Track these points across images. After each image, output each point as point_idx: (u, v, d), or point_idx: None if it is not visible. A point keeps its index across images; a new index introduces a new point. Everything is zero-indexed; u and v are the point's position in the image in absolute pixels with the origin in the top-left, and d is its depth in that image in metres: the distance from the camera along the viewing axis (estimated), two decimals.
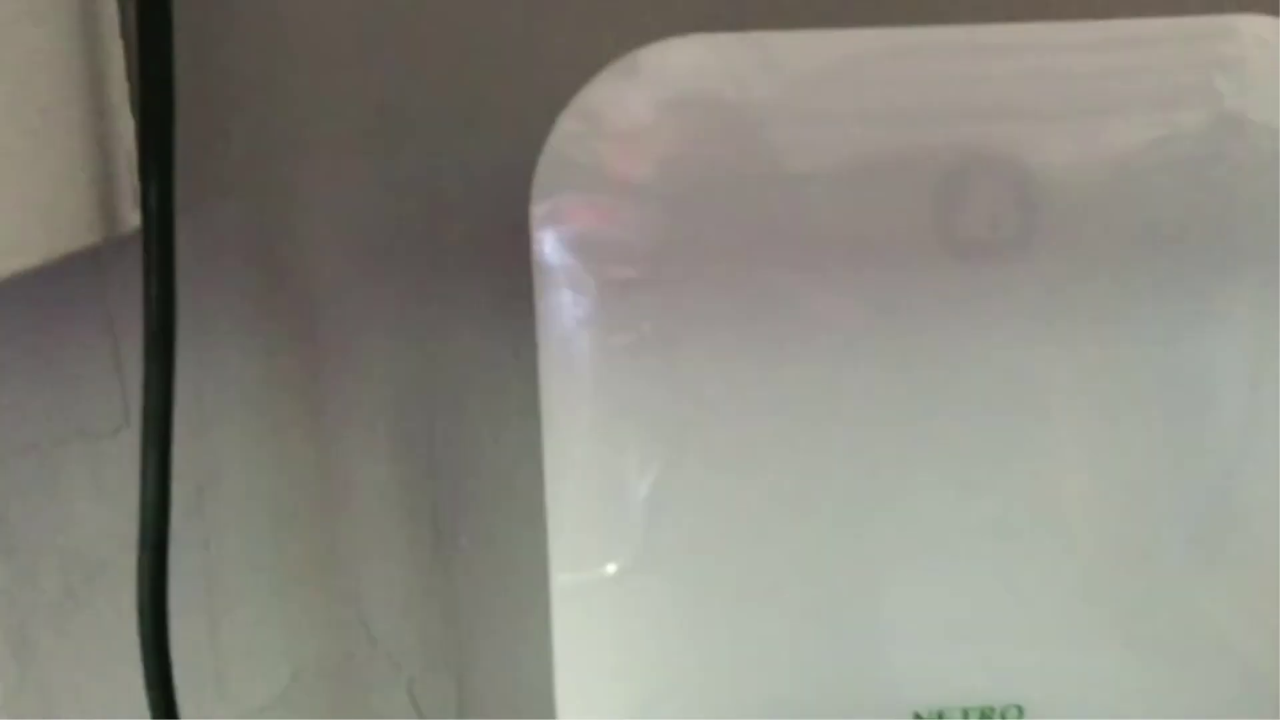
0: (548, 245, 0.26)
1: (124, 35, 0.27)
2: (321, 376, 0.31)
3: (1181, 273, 0.27)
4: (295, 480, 0.32)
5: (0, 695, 0.33)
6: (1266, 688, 0.29)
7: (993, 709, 0.29)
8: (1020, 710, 0.29)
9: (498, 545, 0.32)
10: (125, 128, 0.28)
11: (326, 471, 0.32)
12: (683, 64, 0.26)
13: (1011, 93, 0.26)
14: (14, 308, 0.30)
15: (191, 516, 0.32)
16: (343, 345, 0.31)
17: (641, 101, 0.26)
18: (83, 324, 0.30)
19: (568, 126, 0.26)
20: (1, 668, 0.33)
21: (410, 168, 0.30)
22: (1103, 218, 0.26)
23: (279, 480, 0.32)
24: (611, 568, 0.28)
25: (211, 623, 0.32)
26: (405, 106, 0.29)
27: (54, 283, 0.29)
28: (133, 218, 0.28)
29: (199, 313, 0.30)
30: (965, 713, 0.29)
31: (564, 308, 0.26)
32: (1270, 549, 0.28)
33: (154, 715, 0.29)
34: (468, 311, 0.31)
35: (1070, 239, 0.27)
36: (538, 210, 0.26)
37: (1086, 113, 0.26)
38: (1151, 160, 0.26)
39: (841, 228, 0.26)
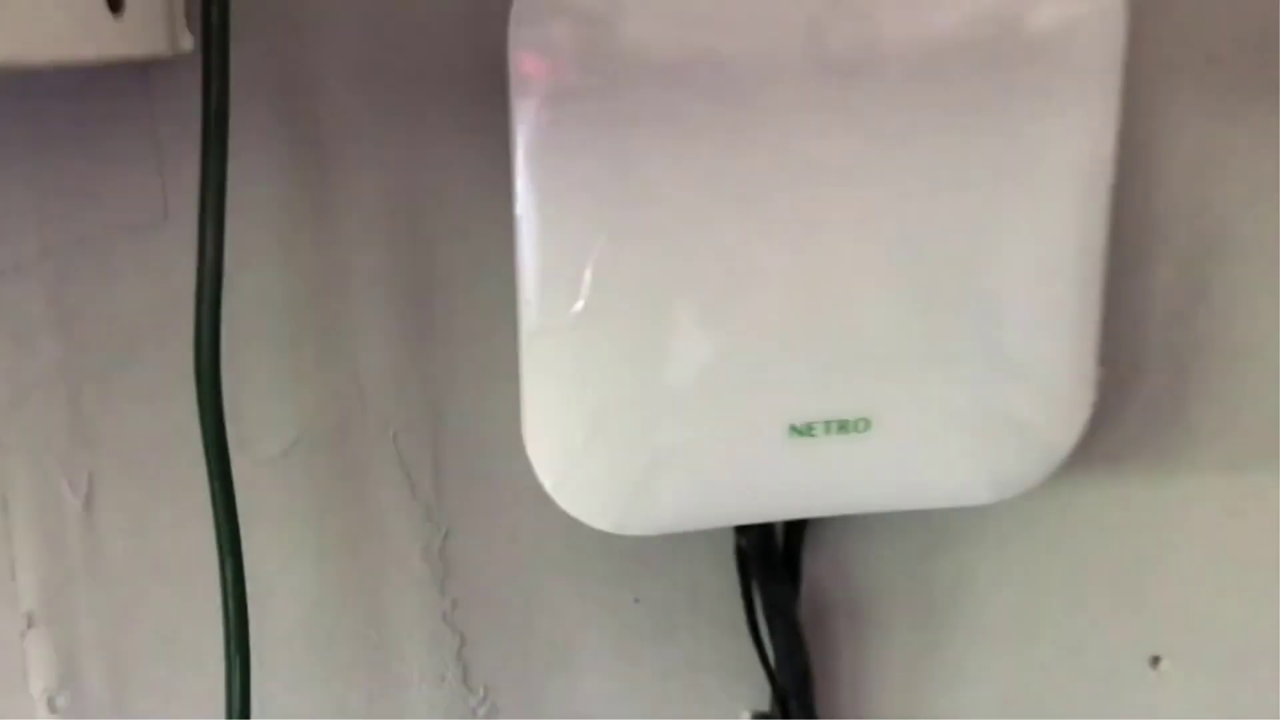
0: (523, 61, 0.35)
1: None
2: (327, 180, 0.39)
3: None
4: (303, 268, 0.40)
5: (56, 448, 0.40)
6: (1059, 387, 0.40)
7: (847, 421, 0.40)
8: (868, 423, 0.40)
9: (472, 313, 0.41)
10: None
11: (330, 260, 0.40)
12: None
13: None
14: (69, 110, 0.37)
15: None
16: (343, 152, 0.39)
17: None
18: (130, 130, 0.37)
19: None
20: (57, 424, 0.40)
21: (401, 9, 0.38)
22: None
23: (290, 267, 0.40)
24: (567, 315, 0.37)
25: (232, 387, 0.40)
26: None
27: (106, 90, 0.37)
28: (185, 41, 0.35)
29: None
30: (827, 425, 0.40)
31: (534, 110, 0.35)
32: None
33: (208, 450, 0.37)
34: (454, 123, 0.39)
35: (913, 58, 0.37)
36: (514, 34, 0.35)
37: None
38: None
39: (747, 48, 0.36)
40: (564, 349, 0.37)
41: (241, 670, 0.38)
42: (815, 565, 0.46)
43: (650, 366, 0.38)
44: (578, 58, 0.35)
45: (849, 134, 0.37)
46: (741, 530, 0.44)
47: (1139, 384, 0.47)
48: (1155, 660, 0.50)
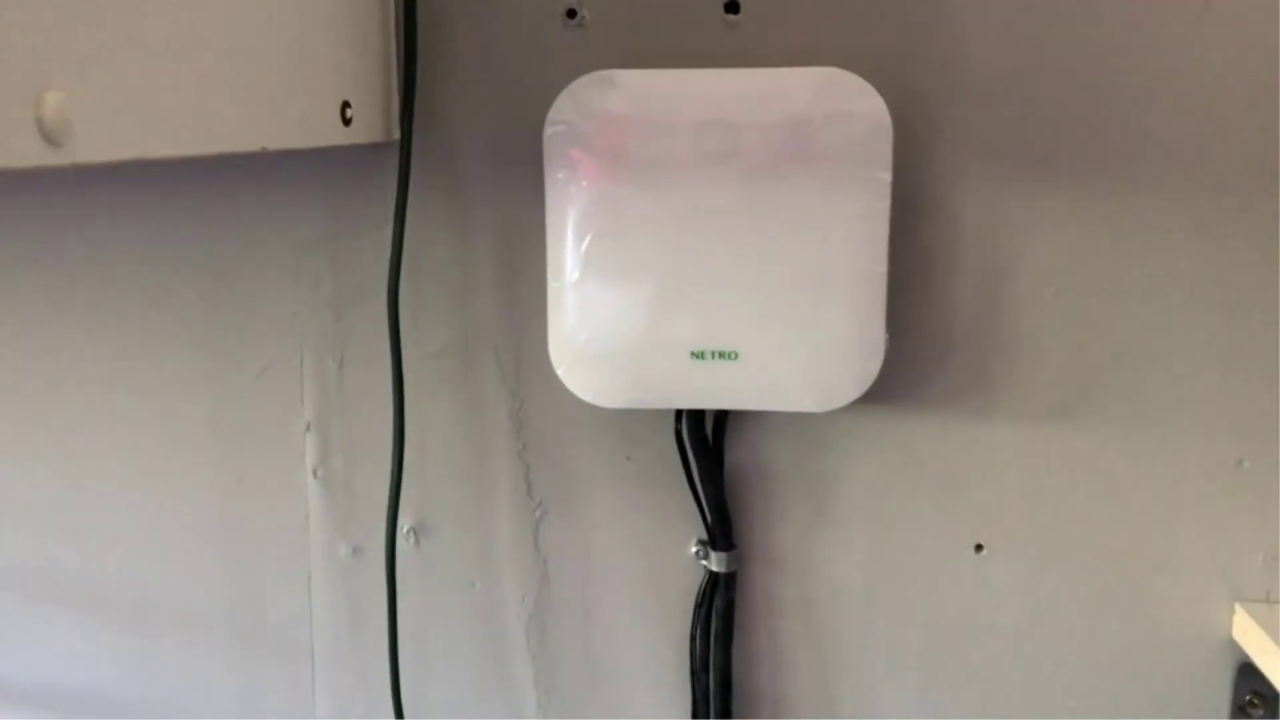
0: (554, 154, 0.69)
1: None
2: (464, 207, 0.75)
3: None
4: (454, 255, 0.76)
5: (327, 338, 0.78)
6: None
7: (724, 351, 0.70)
8: (736, 354, 0.70)
9: (539, 279, 0.75)
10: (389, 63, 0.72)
11: (464, 254, 0.76)
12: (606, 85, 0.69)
13: (733, 104, 0.68)
14: (333, 171, 0.75)
15: (407, 272, 0.76)
16: (472, 193, 0.75)
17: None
18: (374, 182, 0.75)
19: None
20: (325, 327, 0.78)
21: (509, 111, 0.74)
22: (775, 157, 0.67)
23: (448, 254, 0.76)
24: (569, 279, 0.70)
25: (415, 312, 0.76)
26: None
27: (356, 161, 0.75)
28: (395, 132, 0.72)
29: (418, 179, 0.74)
30: (713, 354, 0.70)
31: (556, 183, 0.69)
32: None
33: (392, 342, 0.73)
34: (534, 177, 0.74)
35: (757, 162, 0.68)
36: (548, 143, 0.69)
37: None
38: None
39: (689, 156, 0.68)
40: (568, 299, 0.71)
41: (397, 464, 0.74)
42: (736, 451, 0.77)
43: (615, 311, 0.70)
44: (584, 158, 0.69)
45: (728, 190, 0.69)
46: (678, 417, 0.75)
47: (951, 357, 0.74)
48: (979, 547, 0.76)
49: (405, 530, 0.80)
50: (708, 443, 0.76)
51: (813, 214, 0.68)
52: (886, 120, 0.67)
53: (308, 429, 0.80)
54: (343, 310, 0.78)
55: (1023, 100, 0.70)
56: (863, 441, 0.76)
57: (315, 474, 0.80)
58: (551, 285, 0.71)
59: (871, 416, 0.75)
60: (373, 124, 0.69)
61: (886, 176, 0.67)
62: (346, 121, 0.65)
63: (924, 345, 0.74)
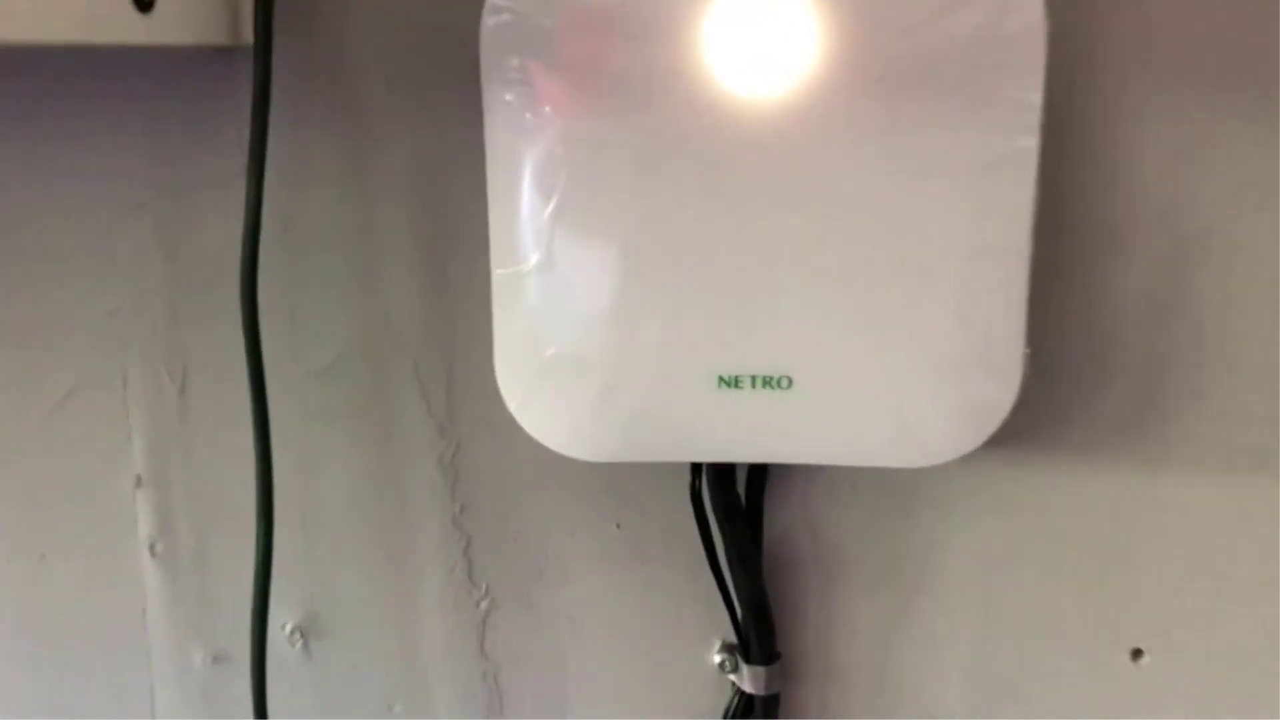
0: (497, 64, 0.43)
1: None
2: (364, 151, 0.49)
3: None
4: (346, 221, 0.50)
5: (161, 346, 0.52)
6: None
7: (771, 377, 0.45)
8: (790, 380, 0.45)
9: (479, 262, 0.48)
10: None
11: (366, 216, 0.49)
12: None
13: None
14: (176, 88, 0.48)
15: (275, 252, 0.50)
16: (378, 130, 0.49)
17: None
18: (220, 104, 0.49)
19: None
20: (161, 328, 0.52)
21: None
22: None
23: (336, 220, 0.50)
24: (528, 264, 0.44)
25: (290, 311, 0.50)
26: None
27: (204, 71, 0.48)
28: (247, 35, 0.46)
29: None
30: (753, 380, 0.45)
31: (502, 109, 0.43)
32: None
33: (249, 357, 0.47)
34: (466, 106, 0.47)
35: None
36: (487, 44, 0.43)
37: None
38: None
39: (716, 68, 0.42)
40: (522, 294, 0.45)
41: (265, 534, 0.49)
42: (782, 518, 0.52)
43: (596, 312, 0.44)
44: (538, 79, 0.43)
45: (774, 123, 0.43)
46: (696, 471, 0.49)
47: (1114, 377, 0.48)
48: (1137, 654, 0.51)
49: (287, 629, 0.55)
50: (739, 506, 0.50)
51: (911, 160, 0.42)
52: (1038, 9, 0.41)
53: (139, 484, 0.54)
54: (180, 305, 0.51)
55: None
56: (974, 505, 0.50)
57: (153, 550, 0.55)
58: (497, 274, 0.45)
59: (989, 469, 0.50)
60: (201, 14, 0.43)
61: (1036, 99, 0.42)
62: (144, 6, 0.39)
63: (1074, 365, 0.48)
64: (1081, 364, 0.48)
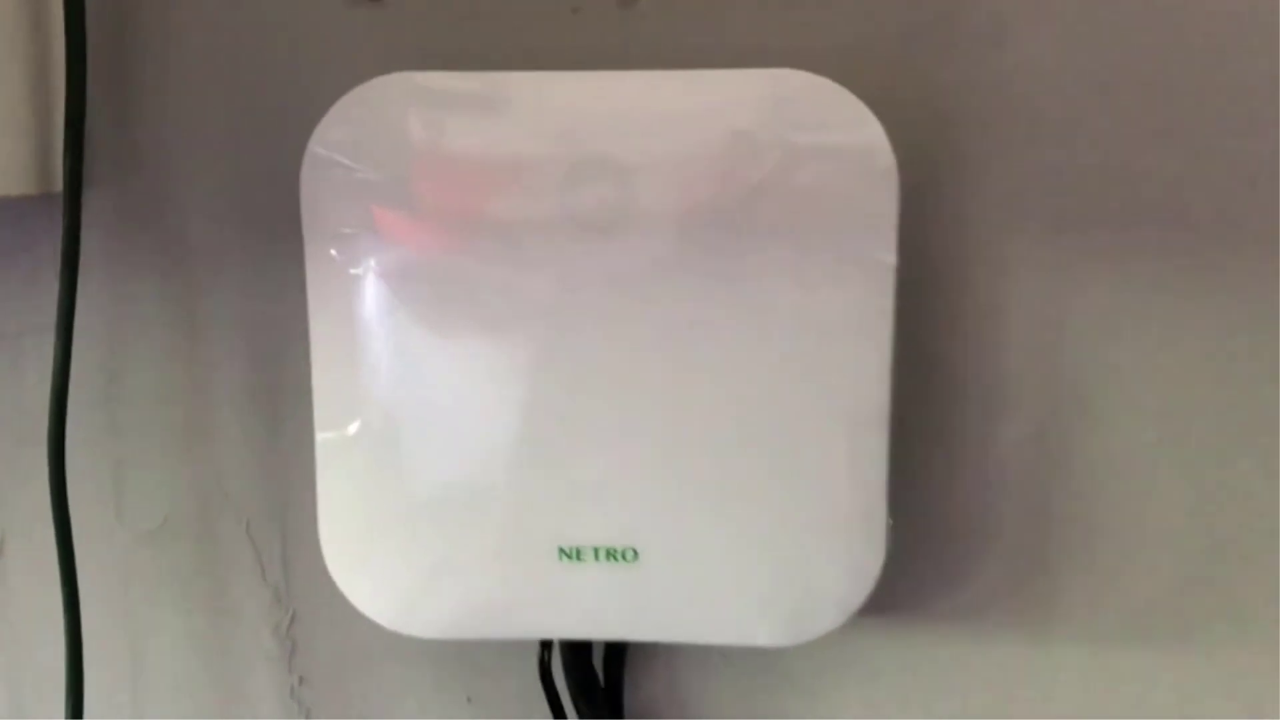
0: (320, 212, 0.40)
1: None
2: (194, 302, 0.46)
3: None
4: (174, 375, 0.46)
5: None
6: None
7: (615, 549, 0.41)
8: (635, 553, 0.41)
9: (292, 409, 0.46)
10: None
11: (196, 370, 0.46)
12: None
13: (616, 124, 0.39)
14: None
15: (98, 406, 0.46)
16: (206, 281, 0.45)
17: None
18: (35, 253, 0.45)
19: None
20: None
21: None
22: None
23: (164, 373, 0.46)
24: (350, 430, 0.41)
25: (117, 467, 0.47)
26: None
27: (21, 220, 0.45)
28: (57, 183, 0.43)
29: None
30: (595, 552, 0.41)
31: (324, 263, 0.40)
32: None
33: (56, 522, 0.44)
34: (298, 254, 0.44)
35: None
36: (308, 192, 0.40)
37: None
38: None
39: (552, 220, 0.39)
40: (347, 459, 0.41)
41: (74, 705, 0.44)
42: (643, 692, 0.48)
43: (425, 480, 0.41)
44: (370, 221, 0.40)
45: (616, 279, 0.40)
46: (545, 646, 0.45)
47: (997, 543, 0.45)
48: None
49: None
50: (595, 683, 0.47)
51: (763, 320, 0.40)
52: (888, 157, 0.39)
53: None
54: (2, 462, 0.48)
55: (1095, 129, 0.42)
56: (853, 675, 0.47)
57: None
58: (320, 437, 0.42)
59: (863, 638, 0.46)
60: (11, 165, 0.40)
61: (890, 257, 0.39)
62: None
63: (946, 529, 0.45)
64: (956, 528, 0.45)
